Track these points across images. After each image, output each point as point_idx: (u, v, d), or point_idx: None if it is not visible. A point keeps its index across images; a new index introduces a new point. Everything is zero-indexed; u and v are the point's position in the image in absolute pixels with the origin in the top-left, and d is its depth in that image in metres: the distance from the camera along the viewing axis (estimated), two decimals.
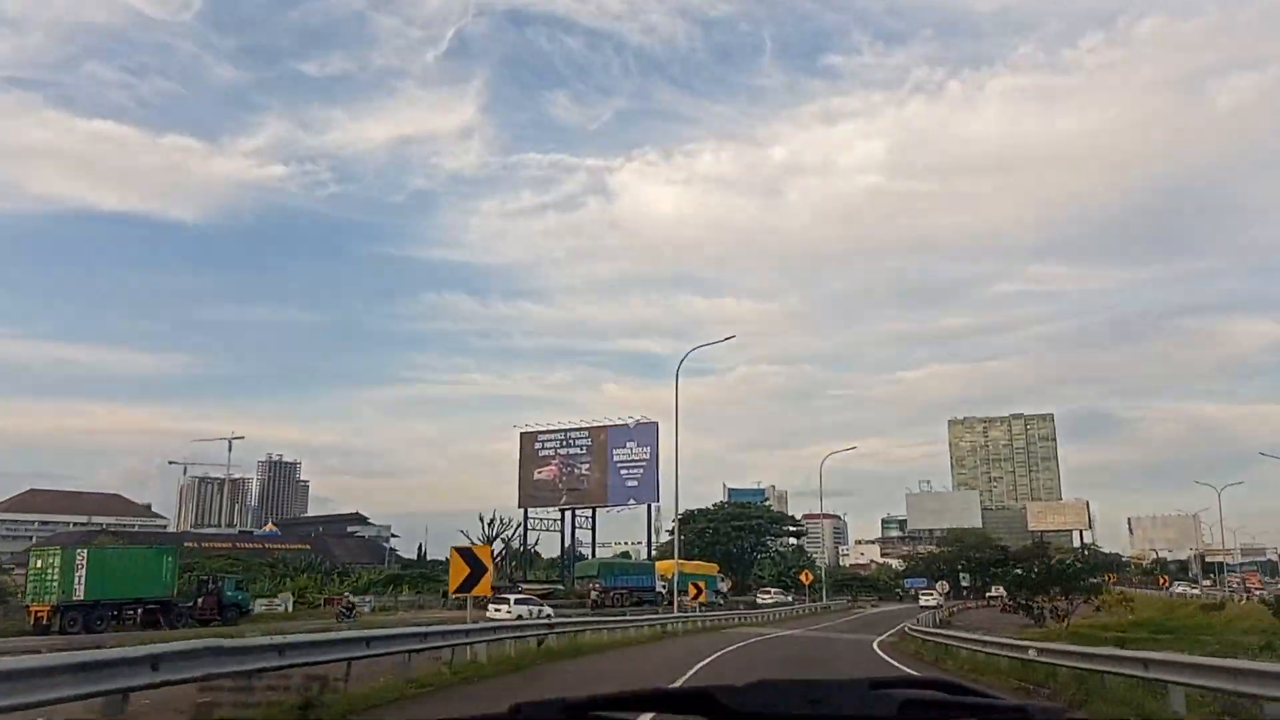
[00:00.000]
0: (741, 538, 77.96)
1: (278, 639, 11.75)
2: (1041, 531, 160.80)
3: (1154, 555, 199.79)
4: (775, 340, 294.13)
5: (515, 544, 75.08)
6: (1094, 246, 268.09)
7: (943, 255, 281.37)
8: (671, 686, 1.92)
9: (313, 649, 12.07)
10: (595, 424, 79.79)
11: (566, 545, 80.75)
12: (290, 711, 9.66)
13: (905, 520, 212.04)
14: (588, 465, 79.32)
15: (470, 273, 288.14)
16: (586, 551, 79.84)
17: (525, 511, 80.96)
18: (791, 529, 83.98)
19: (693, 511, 79.81)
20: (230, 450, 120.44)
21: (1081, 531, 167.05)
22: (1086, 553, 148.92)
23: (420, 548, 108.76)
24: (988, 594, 79.67)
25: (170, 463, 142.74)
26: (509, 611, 36.88)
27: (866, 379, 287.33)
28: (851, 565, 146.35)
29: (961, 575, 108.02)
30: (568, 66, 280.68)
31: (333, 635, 14.58)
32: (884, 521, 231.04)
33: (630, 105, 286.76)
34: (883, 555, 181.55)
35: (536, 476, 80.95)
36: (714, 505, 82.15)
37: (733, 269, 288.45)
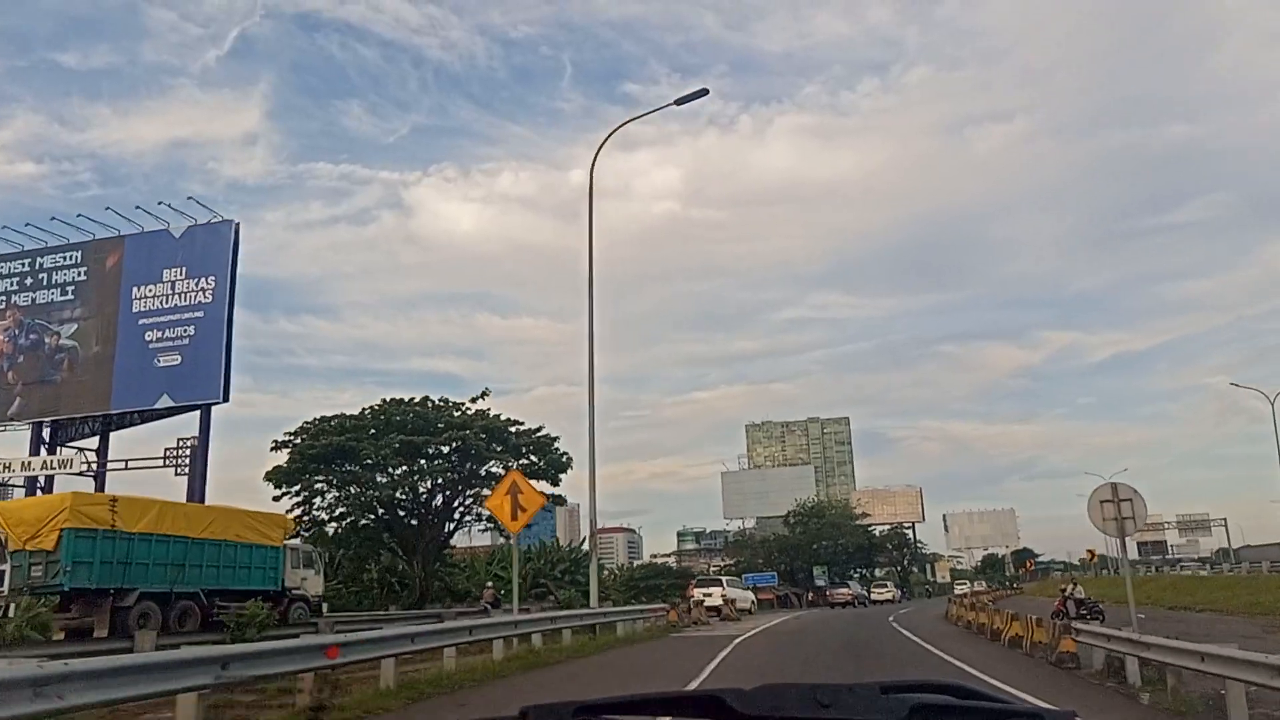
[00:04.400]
0: (418, 472, 34.74)
1: None
2: (872, 524, 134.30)
3: (983, 551, 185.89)
4: (573, 361, 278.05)
5: None
6: (870, 276, 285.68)
7: (734, 281, 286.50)
8: (681, 690, 1.68)
9: None
10: (95, 236, 35.37)
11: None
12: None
13: (701, 532, 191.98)
14: (75, 324, 34.69)
15: (250, 286, 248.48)
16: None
17: None
18: (524, 446, 36.34)
19: (314, 422, 36.77)
20: None
21: (914, 524, 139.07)
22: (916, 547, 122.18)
23: None
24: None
25: None
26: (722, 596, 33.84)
27: (661, 399, 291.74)
28: None
29: (817, 570, 72.04)
30: (362, 77, 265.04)
31: None
32: (679, 534, 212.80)
33: (428, 120, 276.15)
34: (680, 565, 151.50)
35: None
36: (367, 410, 36.08)
37: (532, 289, 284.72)
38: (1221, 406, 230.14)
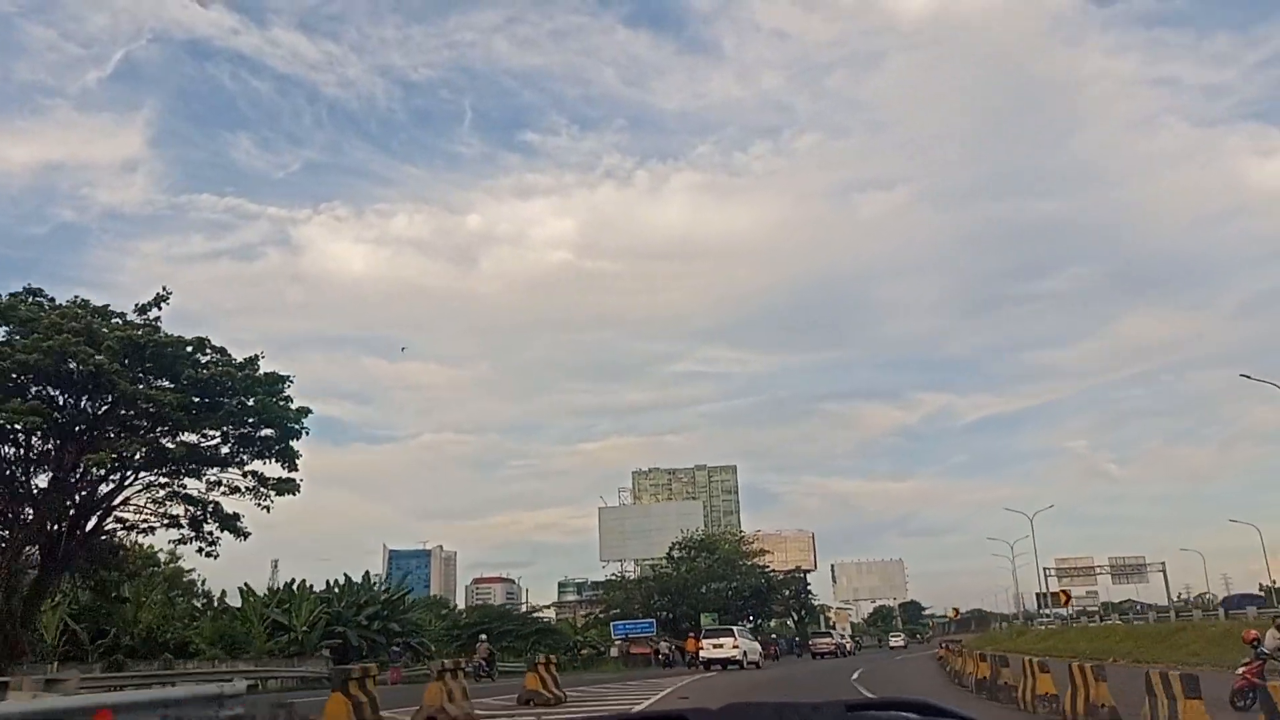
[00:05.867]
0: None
1: None
2: (764, 568, 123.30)
3: (871, 603, 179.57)
4: (463, 408, 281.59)
5: None
6: (758, 333, 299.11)
7: (626, 333, 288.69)
8: (646, 710, 1.92)
9: None
10: None
11: None
12: None
13: (583, 582, 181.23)
14: None
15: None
16: None
17: None
18: (219, 383, 22.63)
19: None
20: None
21: (808, 571, 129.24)
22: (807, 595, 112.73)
23: None
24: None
25: None
26: (735, 647, 33.01)
27: (550, 449, 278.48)
28: None
29: (705, 618, 59.52)
30: (253, 109, 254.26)
31: None
32: (560, 585, 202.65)
33: (321, 158, 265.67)
34: (559, 618, 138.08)
35: None
36: None
37: (423, 333, 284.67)
38: (1084, 467, 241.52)
